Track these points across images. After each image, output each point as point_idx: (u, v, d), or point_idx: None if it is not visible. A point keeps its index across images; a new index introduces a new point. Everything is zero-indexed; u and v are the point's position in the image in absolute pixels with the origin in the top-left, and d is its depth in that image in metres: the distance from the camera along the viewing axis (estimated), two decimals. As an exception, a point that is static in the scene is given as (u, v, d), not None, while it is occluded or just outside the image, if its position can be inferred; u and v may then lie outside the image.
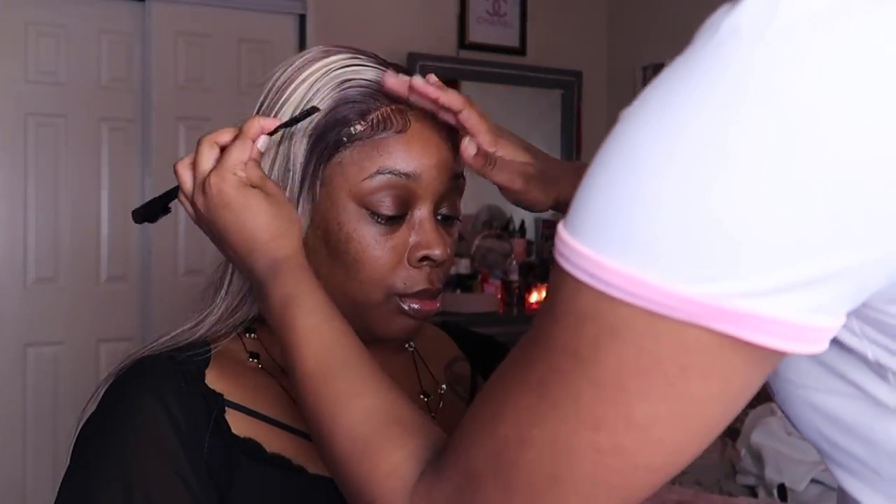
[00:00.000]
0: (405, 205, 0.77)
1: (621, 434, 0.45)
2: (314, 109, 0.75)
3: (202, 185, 0.73)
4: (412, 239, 0.78)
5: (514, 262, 3.81)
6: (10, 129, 3.00)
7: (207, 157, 0.74)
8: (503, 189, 0.84)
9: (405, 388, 0.86)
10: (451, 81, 3.57)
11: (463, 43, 3.75)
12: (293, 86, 0.78)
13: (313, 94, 0.77)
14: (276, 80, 0.80)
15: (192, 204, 0.75)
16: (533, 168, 0.82)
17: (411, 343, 0.90)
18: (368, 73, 0.78)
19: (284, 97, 0.78)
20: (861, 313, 0.47)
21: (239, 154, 0.73)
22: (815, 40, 0.40)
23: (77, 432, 0.76)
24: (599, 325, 0.45)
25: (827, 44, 0.40)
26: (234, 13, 3.23)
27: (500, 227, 3.99)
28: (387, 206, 0.76)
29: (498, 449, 0.50)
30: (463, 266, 3.70)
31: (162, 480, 0.71)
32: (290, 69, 0.79)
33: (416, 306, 0.78)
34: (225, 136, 0.75)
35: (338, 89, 0.77)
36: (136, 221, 0.82)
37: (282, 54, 3.06)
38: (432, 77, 0.78)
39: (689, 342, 0.43)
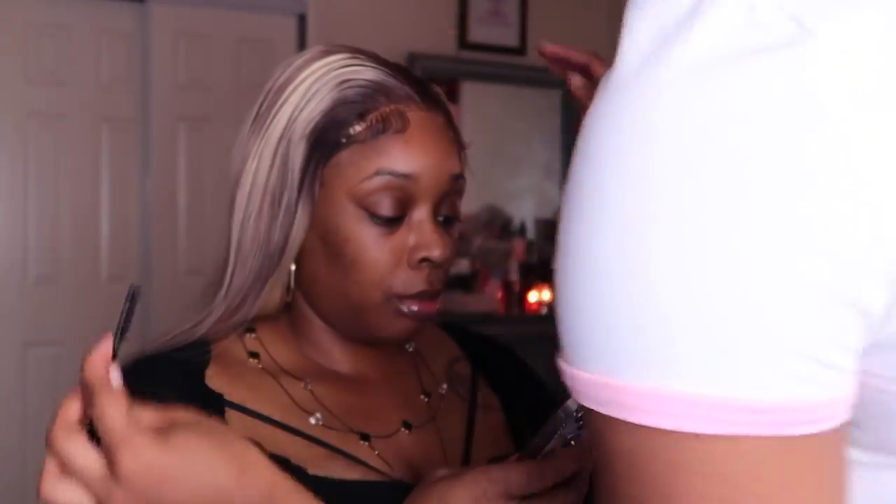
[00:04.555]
0: (404, 206, 0.77)
1: None
2: (134, 298, 0.61)
3: (112, 478, 0.55)
4: (411, 240, 0.77)
5: (515, 262, 3.81)
6: (10, 129, 2.99)
7: (86, 450, 0.57)
8: None
9: (406, 388, 0.86)
10: (451, 81, 3.57)
11: (463, 43, 3.74)
12: (292, 86, 0.78)
13: (312, 95, 0.77)
14: (276, 81, 0.79)
15: None
16: None
17: (412, 343, 0.90)
18: (367, 73, 0.78)
19: (283, 97, 0.78)
20: None
21: (118, 410, 0.56)
22: (693, 96, 0.36)
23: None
24: (649, 461, 0.37)
25: (705, 99, 0.36)
26: (234, 13, 3.23)
27: (500, 227, 3.99)
28: (385, 208, 0.76)
29: None
30: (463, 266, 3.70)
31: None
32: (289, 70, 0.79)
33: (414, 308, 0.78)
34: (72, 409, 0.59)
35: (336, 89, 0.77)
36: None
37: (282, 54, 3.06)
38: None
39: (747, 453, 0.36)
